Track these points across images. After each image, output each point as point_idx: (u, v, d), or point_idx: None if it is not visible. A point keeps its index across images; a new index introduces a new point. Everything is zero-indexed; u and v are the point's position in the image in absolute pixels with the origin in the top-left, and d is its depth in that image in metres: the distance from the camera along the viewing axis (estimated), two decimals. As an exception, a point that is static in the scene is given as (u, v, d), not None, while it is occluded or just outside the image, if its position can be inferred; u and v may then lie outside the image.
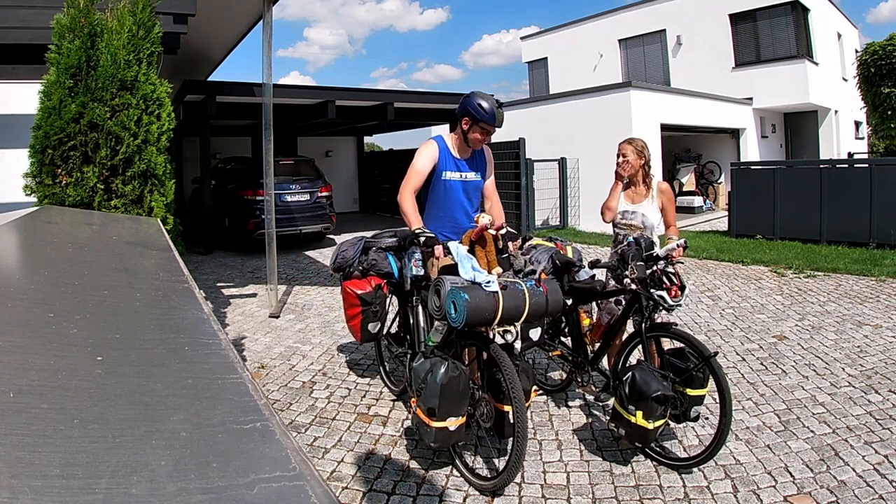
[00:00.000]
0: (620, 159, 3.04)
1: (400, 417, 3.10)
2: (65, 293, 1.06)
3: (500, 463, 2.46)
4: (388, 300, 3.14)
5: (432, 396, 2.23)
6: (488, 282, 2.33)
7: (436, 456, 2.63)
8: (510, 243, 2.80)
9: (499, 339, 2.45)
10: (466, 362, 2.63)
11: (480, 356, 2.54)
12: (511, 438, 2.26)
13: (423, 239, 2.61)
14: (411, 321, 3.09)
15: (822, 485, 2.33)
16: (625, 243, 2.79)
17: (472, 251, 2.61)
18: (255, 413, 0.63)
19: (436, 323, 2.51)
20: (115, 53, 3.28)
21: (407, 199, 2.77)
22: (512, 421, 2.23)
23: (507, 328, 2.37)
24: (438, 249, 2.60)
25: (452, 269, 2.50)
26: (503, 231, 2.71)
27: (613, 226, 3.17)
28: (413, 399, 2.44)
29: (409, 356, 3.04)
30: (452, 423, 2.27)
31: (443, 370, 2.23)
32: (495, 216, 2.89)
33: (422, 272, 2.80)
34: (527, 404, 2.35)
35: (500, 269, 2.64)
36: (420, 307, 2.98)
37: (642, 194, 3.07)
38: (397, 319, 3.44)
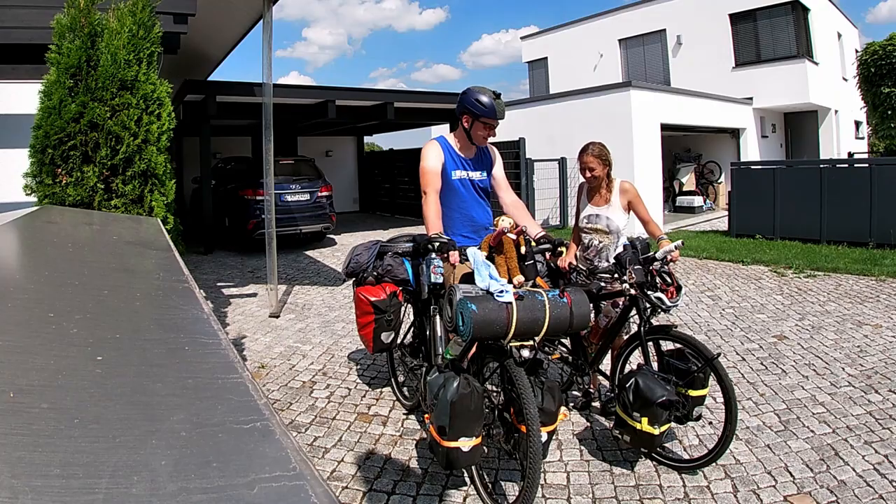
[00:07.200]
0: (588, 174, 2.95)
1: (400, 417, 3.10)
2: (65, 293, 1.06)
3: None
4: (403, 309, 2.96)
5: (443, 414, 2.08)
6: (501, 291, 2.14)
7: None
8: (547, 254, 2.59)
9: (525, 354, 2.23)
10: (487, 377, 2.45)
11: (504, 372, 2.31)
12: (524, 461, 2.10)
13: (437, 244, 2.43)
14: (427, 332, 2.87)
15: (822, 485, 2.33)
16: (621, 247, 2.76)
17: (491, 258, 2.42)
18: (255, 413, 0.63)
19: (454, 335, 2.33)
20: (116, 53, 3.29)
21: (431, 203, 2.64)
22: (525, 442, 2.08)
23: (525, 343, 2.15)
24: (454, 256, 2.40)
25: (473, 277, 2.32)
26: (533, 234, 2.50)
27: (580, 230, 3.11)
28: (427, 415, 2.29)
29: (424, 369, 2.87)
30: (465, 444, 2.09)
31: (454, 386, 2.08)
32: (514, 211, 2.76)
33: (440, 280, 2.58)
34: (552, 427, 2.17)
35: (521, 279, 2.43)
36: (437, 317, 2.77)
37: (605, 198, 3.01)
38: (412, 330, 3.22)
